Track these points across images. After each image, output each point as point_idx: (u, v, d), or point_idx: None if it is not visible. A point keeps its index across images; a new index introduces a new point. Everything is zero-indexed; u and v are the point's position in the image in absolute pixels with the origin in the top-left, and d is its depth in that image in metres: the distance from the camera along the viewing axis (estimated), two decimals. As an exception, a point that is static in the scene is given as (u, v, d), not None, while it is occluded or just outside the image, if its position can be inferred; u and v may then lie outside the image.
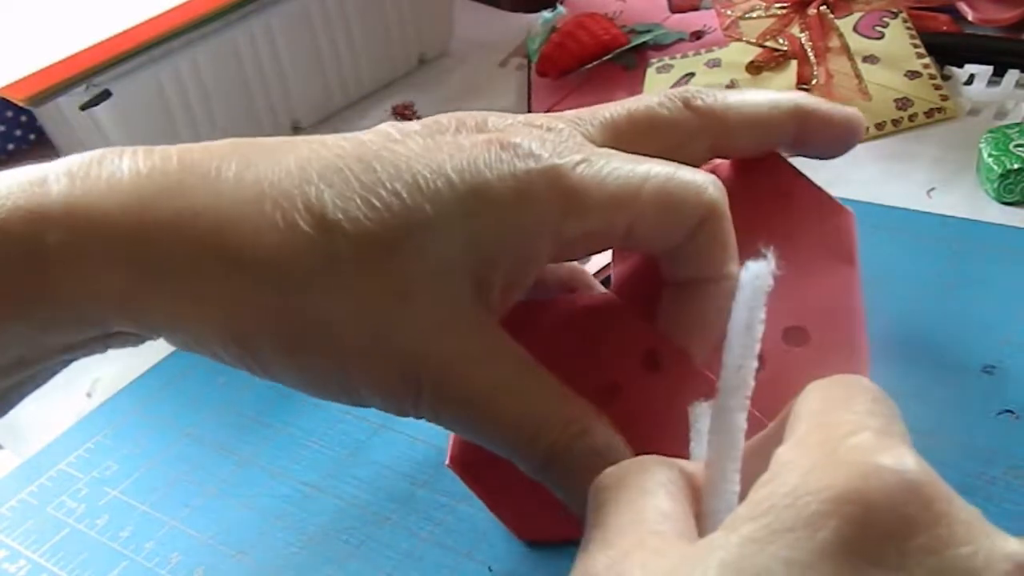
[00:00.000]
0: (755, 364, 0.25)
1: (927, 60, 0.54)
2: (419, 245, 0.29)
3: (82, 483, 0.41)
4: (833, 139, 0.35)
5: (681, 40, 0.61)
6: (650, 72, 0.59)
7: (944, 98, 0.52)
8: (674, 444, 0.28)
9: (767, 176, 0.36)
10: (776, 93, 0.35)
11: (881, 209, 0.46)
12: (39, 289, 0.28)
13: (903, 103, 0.52)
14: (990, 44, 0.56)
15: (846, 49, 0.53)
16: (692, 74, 0.57)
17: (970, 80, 0.55)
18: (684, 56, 0.59)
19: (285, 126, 0.63)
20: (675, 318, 0.32)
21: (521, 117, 0.32)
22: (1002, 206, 0.46)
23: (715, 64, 0.57)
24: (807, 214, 0.35)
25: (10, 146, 0.65)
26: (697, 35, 0.62)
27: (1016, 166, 0.45)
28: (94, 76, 0.52)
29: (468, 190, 0.29)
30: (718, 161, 0.36)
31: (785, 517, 0.20)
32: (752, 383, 0.25)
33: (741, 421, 0.24)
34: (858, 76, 0.52)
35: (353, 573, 0.35)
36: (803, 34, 0.54)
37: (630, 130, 0.33)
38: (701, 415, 0.29)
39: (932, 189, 0.48)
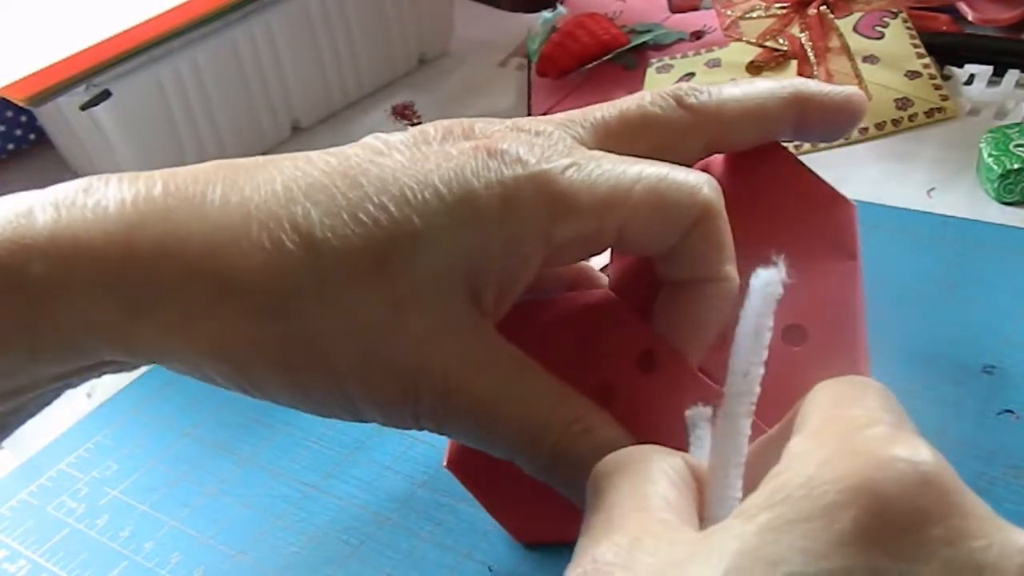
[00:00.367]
0: (761, 371, 0.25)
1: (927, 60, 0.54)
2: (408, 258, 0.29)
3: (82, 483, 0.41)
4: (835, 122, 0.34)
5: (681, 40, 0.61)
6: (650, 72, 0.59)
7: (944, 98, 0.52)
8: (668, 446, 0.28)
9: (767, 166, 0.35)
10: (772, 81, 0.34)
11: (881, 209, 0.46)
12: (27, 320, 0.28)
13: (903, 103, 0.52)
14: (990, 44, 0.56)
15: (846, 49, 0.53)
16: (692, 74, 0.57)
17: (970, 80, 0.55)
18: (684, 56, 0.59)
19: (285, 126, 0.63)
20: (670, 319, 0.32)
21: (509, 122, 0.32)
22: (1002, 206, 0.46)
23: (715, 64, 0.57)
24: (808, 206, 0.35)
25: (10, 146, 0.65)
26: (697, 35, 0.62)
27: (1016, 166, 0.45)
28: (94, 76, 0.52)
29: (456, 200, 0.29)
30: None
31: (801, 507, 0.20)
32: (758, 390, 0.25)
33: (746, 427, 0.24)
34: (858, 76, 0.52)
35: (353, 573, 0.35)
36: (803, 34, 0.54)
37: (622, 130, 0.33)
38: (698, 420, 0.28)
39: (932, 189, 0.48)
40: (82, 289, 0.28)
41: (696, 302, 0.32)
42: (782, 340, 0.33)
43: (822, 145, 0.51)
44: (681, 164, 0.31)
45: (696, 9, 0.65)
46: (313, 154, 0.31)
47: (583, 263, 0.36)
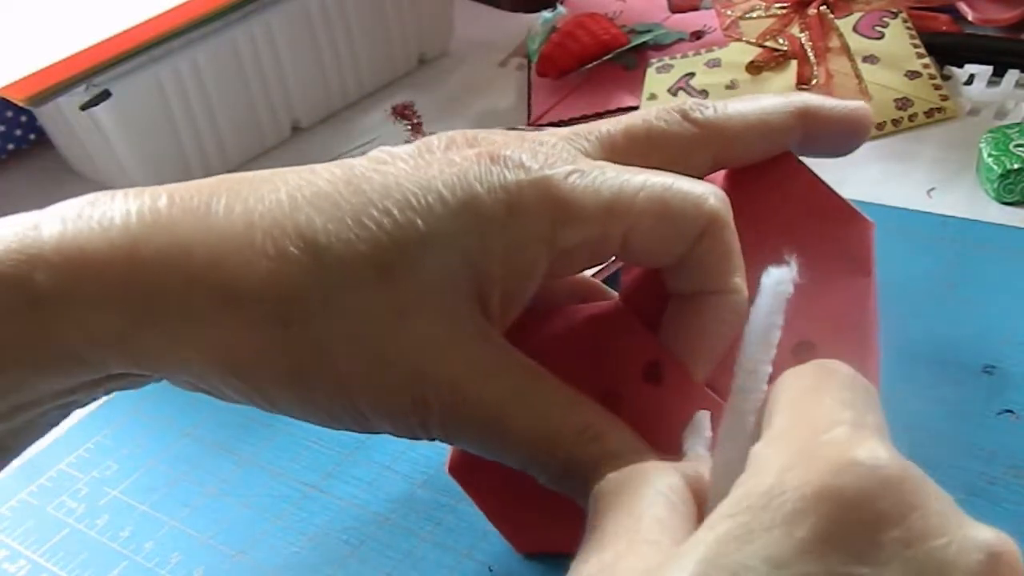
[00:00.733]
0: (769, 369, 0.25)
1: (927, 60, 0.54)
2: (413, 262, 0.28)
3: (82, 483, 0.41)
4: (841, 137, 0.35)
5: (681, 40, 0.61)
6: (650, 72, 0.59)
7: (944, 98, 0.52)
8: (671, 458, 0.28)
9: (783, 180, 0.34)
10: (777, 97, 0.34)
11: (881, 209, 0.46)
12: (31, 331, 0.28)
13: (903, 103, 0.52)
14: (990, 44, 0.56)
15: (846, 49, 0.53)
16: (692, 74, 0.57)
17: (970, 80, 0.55)
18: (684, 56, 0.59)
19: (285, 126, 0.63)
20: (677, 331, 0.32)
21: (513, 133, 0.32)
22: (1002, 206, 0.46)
23: (715, 64, 0.57)
24: (823, 221, 0.34)
25: (10, 146, 0.65)
26: (697, 35, 0.61)
27: (1016, 166, 0.46)
28: (94, 76, 0.52)
29: (459, 204, 0.29)
30: None
31: (763, 516, 0.20)
32: (766, 388, 0.25)
33: (751, 425, 0.24)
34: (858, 76, 0.52)
35: (353, 573, 0.35)
36: (803, 34, 0.54)
37: (628, 144, 0.33)
38: (697, 427, 0.29)
39: (932, 189, 0.48)
40: (86, 298, 0.28)
41: (703, 314, 0.31)
42: (792, 355, 0.32)
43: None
44: None
45: (696, 9, 0.65)
46: (318, 166, 0.31)
47: (596, 281, 0.37)
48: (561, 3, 0.66)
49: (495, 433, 0.30)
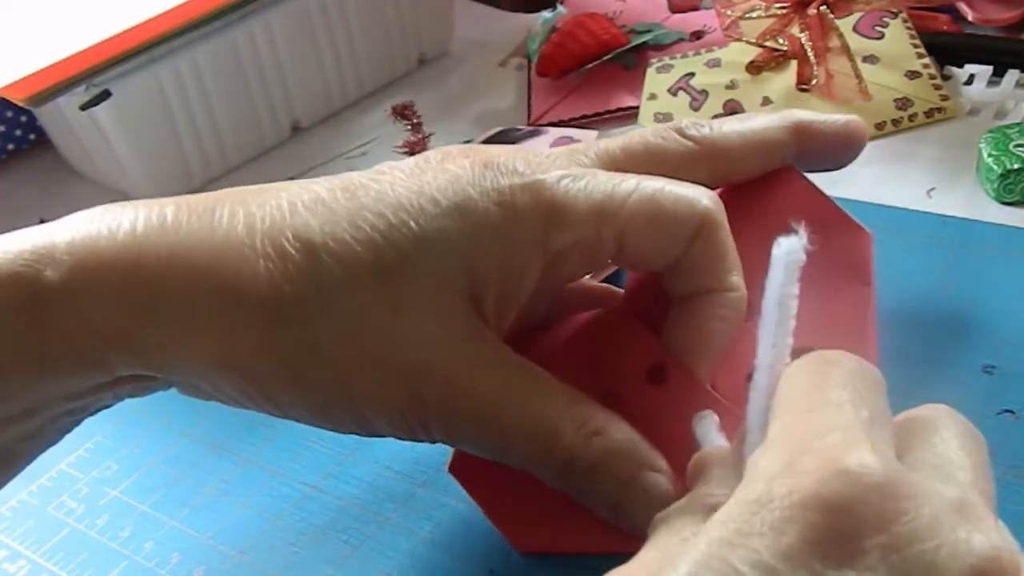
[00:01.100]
0: (790, 341, 0.25)
1: (927, 60, 0.54)
2: (407, 261, 0.29)
3: (82, 483, 0.41)
4: (836, 151, 0.36)
5: (681, 40, 0.61)
6: (650, 72, 0.59)
7: (944, 98, 0.52)
8: (674, 461, 0.28)
9: (783, 191, 0.35)
10: (771, 114, 0.35)
11: (881, 209, 0.46)
12: (36, 330, 0.29)
13: (903, 103, 0.52)
14: (990, 44, 0.56)
15: (846, 49, 0.53)
16: (692, 74, 0.57)
17: (970, 80, 0.55)
18: (684, 56, 0.59)
19: (285, 126, 0.63)
20: (678, 332, 0.32)
21: (511, 147, 0.33)
22: (1002, 206, 0.46)
23: (715, 64, 0.57)
24: (823, 231, 0.34)
25: (10, 146, 0.65)
26: (697, 35, 0.61)
27: (1016, 166, 0.45)
28: (94, 76, 0.52)
29: (452, 206, 0.30)
30: None
31: (754, 521, 0.21)
32: (788, 360, 0.25)
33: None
34: (858, 76, 0.52)
35: (353, 573, 0.35)
36: (803, 34, 0.54)
37: (627, 160, 0.33)
38: (703, 424, 0.29)
39: (932, 189, 0.48)
40: (92, 296, 0.29)
41: (701, 314, 0.32)
42: None
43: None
44: None
45: (696, 9, 0.65)
46: (321, 179, 0.32)
47: (607, 286, 0.37)
48: (561, 3, 0.66)
49: (493, 430, 0.30)
